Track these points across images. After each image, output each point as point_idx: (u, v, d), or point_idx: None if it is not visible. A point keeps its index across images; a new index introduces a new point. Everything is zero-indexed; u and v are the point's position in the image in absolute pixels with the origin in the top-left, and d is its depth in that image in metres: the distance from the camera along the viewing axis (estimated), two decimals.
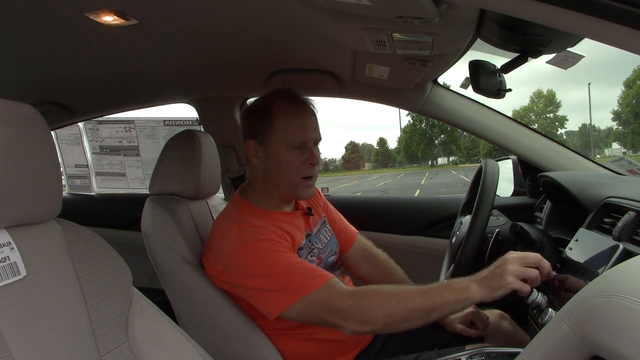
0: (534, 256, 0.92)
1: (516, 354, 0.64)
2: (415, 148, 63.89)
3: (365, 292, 1.00)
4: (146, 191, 2.07)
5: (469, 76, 1.35)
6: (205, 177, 1.31)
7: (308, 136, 1.14)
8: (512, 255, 0.92)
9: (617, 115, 52.98)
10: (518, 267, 0.89)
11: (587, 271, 0.99)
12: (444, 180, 26.10)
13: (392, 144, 78.90)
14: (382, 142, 74.73)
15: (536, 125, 56.91)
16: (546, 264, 0.92)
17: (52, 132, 2.29)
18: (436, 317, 0.95)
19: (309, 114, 1.17)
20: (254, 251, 1.04)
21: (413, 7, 0.95)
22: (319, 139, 1.18)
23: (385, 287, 1.01)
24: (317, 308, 0.99)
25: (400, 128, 69.51)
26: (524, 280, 0.89)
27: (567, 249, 1.12)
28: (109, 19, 1.09)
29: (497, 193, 1.26)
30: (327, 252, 1.26)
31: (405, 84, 1.67)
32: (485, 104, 1.73)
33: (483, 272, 0.94)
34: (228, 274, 1.08)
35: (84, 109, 2.10)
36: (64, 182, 2.67)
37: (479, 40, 1.20)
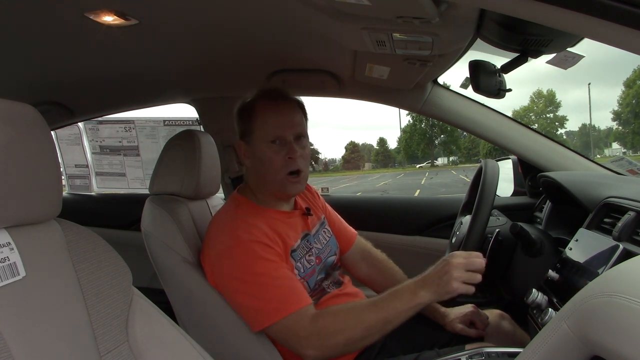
0: (480, 262, 0.98)
1: (516, 354, 0.64)
2: (415, 148, 63.89)
3: (322, 316, 1.03)
4: (146, 191, 2.07)
5: (469, 76, 1.35)
6: (205, 177, 1.31)
7: (285, 130, 1.14)
8: (456, 260, 0.97)
9: (617, 115, 52.97)
10: (463, 273, 0.96)
11: (587, 271, 0.99)
12: (444, 180, 26.09)
13: (392, 144, 79.10)
14: (382, 142, 74.78)
15: (536, 125, 56.89)
16: (482, 262, 0.98)
17: (52, 132, 2.29)
18: (393, 327, 1.00)
19: (288, 109, 1.17)
20: (245, 251, 1.05)
21: (413, 7, 0.95)
22: (300, 133, 1.16)
23: (338, 307, 1.06)
24: (286, 334, 1.03)
25: (400, 128, 69.67)
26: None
27: (567, 249, 1.12)
28: (109, 19, 1.09)
29: (497, 193, 1.26)
30: (327, 252, 1.26)
31: (405, 84, 1.67)
32: (485, 104, 1.73)
33: (428, 273, 1.00)
34: (219, 270, 1.09)
35: (84, 109, 2.10)
36: (64, 182, 2.67)
37: (479, 40, 1.20)
